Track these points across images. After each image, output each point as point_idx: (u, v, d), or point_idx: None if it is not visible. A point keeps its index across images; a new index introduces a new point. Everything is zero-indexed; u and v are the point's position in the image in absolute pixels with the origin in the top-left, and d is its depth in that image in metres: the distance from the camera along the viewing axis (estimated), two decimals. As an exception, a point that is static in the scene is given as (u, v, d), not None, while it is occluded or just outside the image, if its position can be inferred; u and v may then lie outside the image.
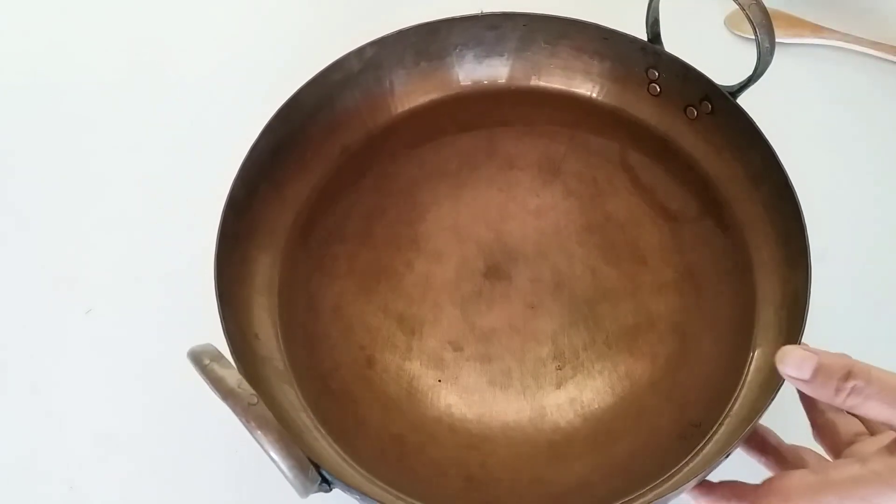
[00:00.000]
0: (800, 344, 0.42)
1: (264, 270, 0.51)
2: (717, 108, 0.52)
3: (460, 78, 0.57)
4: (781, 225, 0.49)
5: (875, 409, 0.34)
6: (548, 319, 0.51)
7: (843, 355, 0.36)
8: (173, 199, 0.59)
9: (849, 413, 0.39)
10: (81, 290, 0.56)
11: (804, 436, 0.49)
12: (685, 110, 0.54)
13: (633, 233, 0.53)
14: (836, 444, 0.40)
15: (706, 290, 0.51)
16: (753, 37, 0.48)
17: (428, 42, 0.55)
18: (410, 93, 0.57)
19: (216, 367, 0.37)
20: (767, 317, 0.49)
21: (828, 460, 0.40)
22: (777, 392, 0.42)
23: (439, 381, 0.49)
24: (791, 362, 0.36)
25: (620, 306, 0.51)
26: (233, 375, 0.37)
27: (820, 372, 0.35)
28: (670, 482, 0.44)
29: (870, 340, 0.52)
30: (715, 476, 0.42)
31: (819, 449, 0.41)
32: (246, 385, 0.37)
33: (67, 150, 0.62)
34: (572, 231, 0.54)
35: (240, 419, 0.36)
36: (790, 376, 0.36)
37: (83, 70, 0.66)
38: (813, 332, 0.44)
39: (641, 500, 0.43)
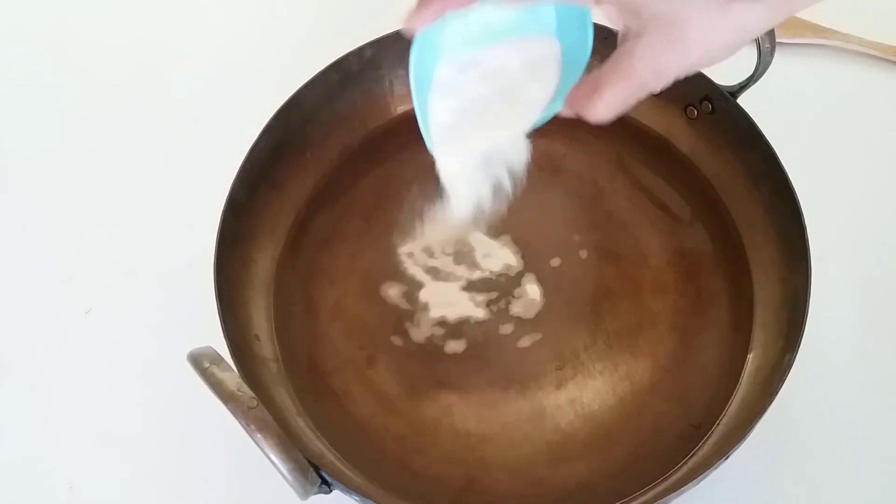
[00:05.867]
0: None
1: (264, 271, 0.51)
2: (718, 108, 0.52)
3: (460, 78, 0.57)
4: (781, 225, 0.49)
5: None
6: (547, 319, 0.51)
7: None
8: (173, 199, 0.59)
9: None
10: (81, 289, 0.56)
11: (805, 438, 0.49)
12: (685, 110, 0.54)
13: (633, 233, 0.53)
14: None
15: (706, 291, 0.51)
16: (754, 37, 0.48)
17: (428, 42, 0.55)
18: (410, 93, 0.56)
19: (216, 371, 0.37)
20: (767, 317, 0.49)
21: None
22: (776, 393, 0.42)
23: (439, 381, 0.49)
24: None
25: (621, 306, 0.51)
26: (233, 379, 0.37)
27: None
28: (670, 483, 0.44)
29: (870, 340, 0.52)
30: (716, 480, 0.42)
31: None
32: (246, 388, 0.37)
33: (68, 150, 0.62)
34: (572, 230, 0.54)
35: (240, 423, 0.36)
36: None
37: (83, 70, 0.65)
38: (813, 332, 0.44)
39: (641, 501, 0.44)
